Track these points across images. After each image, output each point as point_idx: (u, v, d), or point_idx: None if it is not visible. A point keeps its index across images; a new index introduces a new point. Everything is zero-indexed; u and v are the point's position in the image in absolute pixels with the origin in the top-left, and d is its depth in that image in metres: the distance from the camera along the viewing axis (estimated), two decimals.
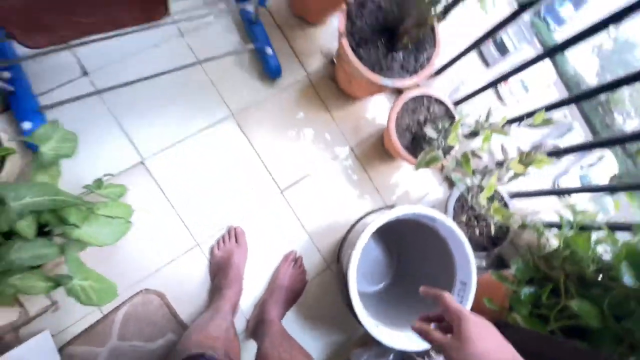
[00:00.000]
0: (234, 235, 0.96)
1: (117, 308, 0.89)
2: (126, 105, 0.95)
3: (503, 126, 0.75)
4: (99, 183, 0.76)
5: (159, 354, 0.91)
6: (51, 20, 0.59)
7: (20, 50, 0.84)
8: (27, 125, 0.81)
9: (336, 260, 1.03)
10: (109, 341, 0.88)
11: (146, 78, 0.94)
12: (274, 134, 1.05)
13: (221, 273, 0.91)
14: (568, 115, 1.59)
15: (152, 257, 0.93)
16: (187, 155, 0.98)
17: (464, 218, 1.00)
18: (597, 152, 1.48)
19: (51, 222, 0.61)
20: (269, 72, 1.02)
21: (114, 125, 0.93)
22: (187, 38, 1.01)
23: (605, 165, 1.47)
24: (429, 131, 0.86)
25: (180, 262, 0.95)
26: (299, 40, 1.09)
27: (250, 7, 0.92)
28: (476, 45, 0.92)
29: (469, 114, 0.82)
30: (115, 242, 0.68)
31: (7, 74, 0.82)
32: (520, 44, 1.33)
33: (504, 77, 0.91)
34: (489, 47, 1.31)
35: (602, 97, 1.74)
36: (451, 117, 0.95)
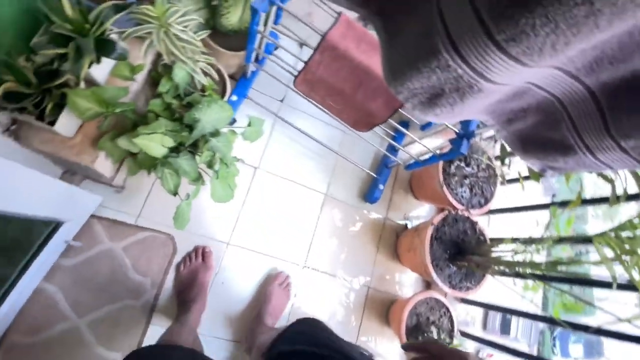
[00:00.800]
0: (201, 254, 1.07)
1: (146, 229, 1.04)
2: (282, 134, 1.27)
3: None
4: (233, 160, 1.02)
5: (127, 285, 1.00)
6: (318, 90, 0.93)
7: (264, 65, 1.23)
8: (234, 97, 1.14)
9: None
10: (116, 243, 1.01)
11: (305, 133, 1.27)
12: (335, 229, 1.28)
13: (187, 290, 1.02)
14: None
15: (199, 224, 1.10)
16: (279, 189, 1.23)
17: None
18: None
19: (207, 162, 0.85)
20: (369, 196, 1.31)
21: (265, 138, 1.24)
22: (345, 135, 1.38)
23: None
24: (433, 331, 1.03)
25: (207, 243, 1.10)
26: (398, 197, 1.41)
27: (394, 159, 1.27)
28: (489, 308, 1.14)
29: (467, 348, 0.99)
30: (216, 202, 0.88)
31: (253, 67, 1.19)
32: (522, 338, 1.48)
33: (489, 344, 1.09)
34: (496, 317, 1.47)
35: None
36: (452, 337, 1.12)
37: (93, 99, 0.70)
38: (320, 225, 1.27)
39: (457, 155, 0.94)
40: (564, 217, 1.02)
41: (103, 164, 0.85)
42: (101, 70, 0.78)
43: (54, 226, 0.89)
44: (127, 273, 1.01)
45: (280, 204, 1.22)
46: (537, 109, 0.40)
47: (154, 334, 1.00)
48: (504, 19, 0.27)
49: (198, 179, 0.83)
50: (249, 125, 0.91)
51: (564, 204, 0.98)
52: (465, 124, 0.91)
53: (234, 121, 1.13)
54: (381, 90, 0.87)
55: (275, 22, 1.07)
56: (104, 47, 0.68)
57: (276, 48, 1.27)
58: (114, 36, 0.75)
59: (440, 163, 1.19)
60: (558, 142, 0.41)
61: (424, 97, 0.38)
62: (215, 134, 0.79)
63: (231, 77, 1.21)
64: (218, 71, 0.99)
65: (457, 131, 0.95)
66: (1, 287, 0.82)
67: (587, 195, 1.02)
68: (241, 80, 1.17)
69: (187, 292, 1.01)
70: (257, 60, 1.18)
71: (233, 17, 0.90)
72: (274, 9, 0.97)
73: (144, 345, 0.98)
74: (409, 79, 0.36)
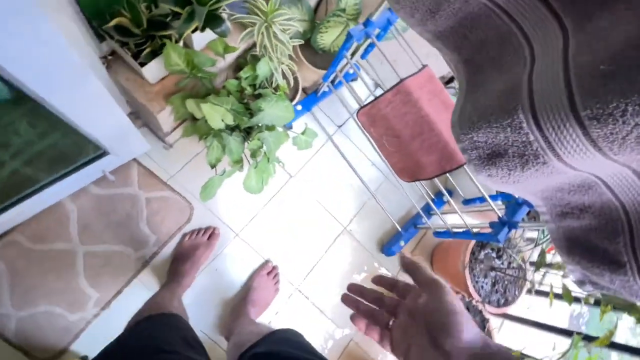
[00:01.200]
0: (208, 233, 1.08)
1: (173, 190, 1.08)
2: (328, 157, 1.30)
3: None
4: (275, 159, 1.05)
5: (134, 233, 1.03)
6: (378, 126, 0.95)
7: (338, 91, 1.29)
8: (299, 107, 1.20)
9: None
10: (142, 192, 1.06)
11: (349, 164, 1.28)
12: (339, 268, 1.24)
13: (181, 260, 1.03)
14: None
15: (219, 205, 1.13)
16: (304, 205, 1.23)
17: None
18: None
19: (252, 149, 0.88)
20: (386, 248, 1.27)
21: (311, 153, 1.27)
22: (385, 181, 1.37)
23: None
24: None
25: (219, 226, 1.12)
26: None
27: (426, 221, 1.23)
28: None
29: None
30: (245, 190, 0.90)
31: (327, 88, 1.25)
32: None
33: None
34: None
35: None
36: None
37: (184, 58, 0.77)
38: (327, 256, 1.24)
39: (493, 240, 0.89)
40: (584, 353, 0.91)
41: (166, 118, 0.91)
42: (200, 38, 0.86)
43: (100, 153, 0.95)
44: (140, 223, 1.05)
45: (299, 219, 1.22)
46: (599, 211, 0.37)
47: (135, 288, 1.00)
48: (595, 95, 0.26)
49: (239, 162, 0.86)
50: (303, 133, 0.94)
51: (589, 338, 0.87)
52: (511, 211, 0.87)
53: (290, 127, 1.18)
54: (437, 148, 0.86)
55: (363, 56, 1.13)
56: (213, 21, 0.75)
57: (354, 79, 1.33)
58: (224, 15, 0.83)
59: (471, 243, 1.14)
60: (610, 256, 0.37)
61: (484, 152, 0.37)
62: (271, 128, 0.83)
63: (303, 89, 1.28)
64: (295, 79, 1.05)
65: (501, 216, 0.91)
66: (32, 185, 0.88)
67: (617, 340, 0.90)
68: (311, 95, 1.23)
69: (181, 263, 1.02)
70: (332, 82, 1.24)
71: (328, 38, 0.97)
72: (366, 43, 1.04)
73: (122, 294, 0.99)
74: (476, 130, 0.36)
